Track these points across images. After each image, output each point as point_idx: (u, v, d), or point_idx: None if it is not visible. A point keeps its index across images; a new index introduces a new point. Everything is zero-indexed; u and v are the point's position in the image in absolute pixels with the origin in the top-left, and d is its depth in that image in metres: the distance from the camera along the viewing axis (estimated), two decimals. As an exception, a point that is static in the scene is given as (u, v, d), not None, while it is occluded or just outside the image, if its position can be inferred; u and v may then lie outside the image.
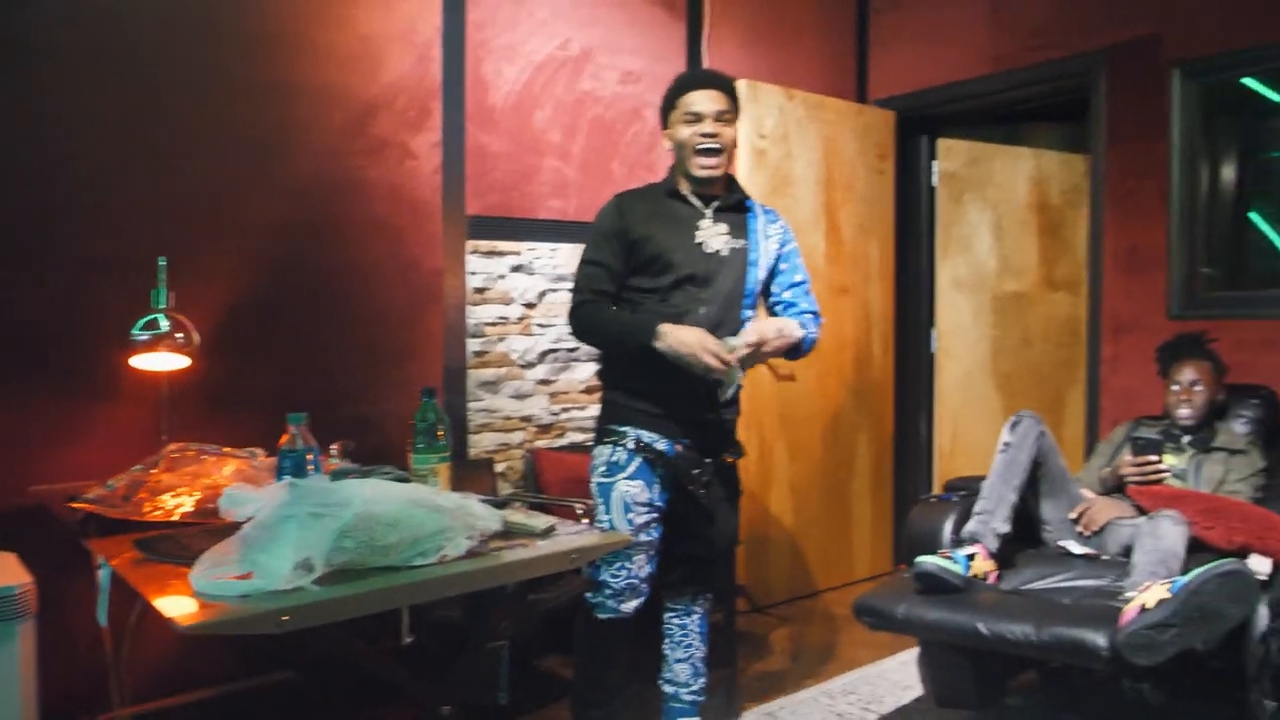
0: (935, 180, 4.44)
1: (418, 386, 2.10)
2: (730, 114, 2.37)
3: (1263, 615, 2.23)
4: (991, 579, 2.50)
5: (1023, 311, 4.46)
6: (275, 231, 2.82)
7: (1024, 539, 2.77)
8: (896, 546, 4.31)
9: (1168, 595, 2.01)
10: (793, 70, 4.11)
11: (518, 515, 1.91)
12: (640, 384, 2.34)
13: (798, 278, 2.50)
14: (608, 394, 2.46)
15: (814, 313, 2.50)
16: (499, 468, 3.26)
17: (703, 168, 2.35)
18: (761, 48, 4.01)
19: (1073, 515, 2.74)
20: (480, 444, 3.22)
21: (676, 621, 2.52)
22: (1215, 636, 2.13)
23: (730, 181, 2.47)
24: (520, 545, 1.77)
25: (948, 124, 4.44)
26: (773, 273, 2.47)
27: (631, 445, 2.34)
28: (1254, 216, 3.70)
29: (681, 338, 2.19)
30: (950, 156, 4.42)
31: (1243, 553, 2.36)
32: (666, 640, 2.53)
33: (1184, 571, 2.21)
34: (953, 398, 4.42)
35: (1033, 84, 3.95)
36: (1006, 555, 2.63)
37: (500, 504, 1.98)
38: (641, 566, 2.34)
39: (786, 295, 2.48)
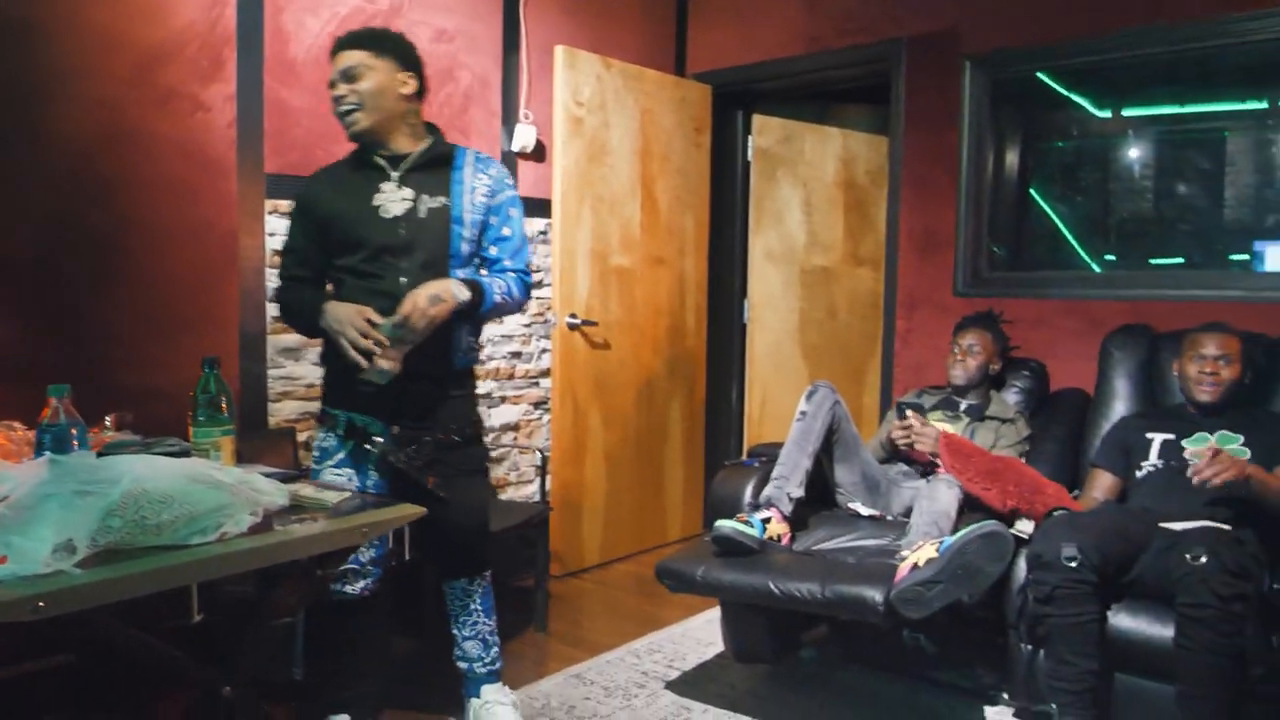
0: (750, 155, 4.57)
1: (212, 354, 1.99)
2: (362, 67, 2.17)
3: (1021, 570, 2.46)
4: (785, 541, 2.63)
5: (829, 285, 4.68)
6: (46, 187, 2.58)
7: (820, 502, 2.93)
8: (707, 510, 4.46)
9: (936, 554, 2.17)
10: (611, 40, 4.11)
11: (308, 489, 1.85)
12: (347, 361, 2.19)
13: (506, 231, 2.34)
14: (326, 375, 2.37)
15: (520, 271, 2.35)
16: (301, 437, 3.14)
17: (346, 127, 2.23)
18: (581, 15, 3.99)
19: (896, 433, 2.94)
20: (281, 412, 3.09)
21: (457, 602, 2.45)
22: (979, 590, 2.32)
23: (429, 136, 2.31)
24: (309, 520, 1.72)
25: (763, 101, 4.57)
26: (485, 228, 2.32)
27: (341, 431, 2.27)
28: (1038, 201, 4.02)
29: (336, 314, 2.13)
30: (765, 133, 4.56)
31: (1013, 514, 2.58)
32: (451, 620, 2.47)
33: (955, 531, 2.39)
34: (763, 366, 4.60)
35: (842, 66, 4.12)
36: (801, 518, 2.77)
37: (290, 478, 1.92)
38: (362, 550, 2.25)
39: (493, 251, 2.33)
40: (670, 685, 2.84)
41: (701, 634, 3.25)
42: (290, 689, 2.58)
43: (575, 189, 3.80)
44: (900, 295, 3.87)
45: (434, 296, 2.12)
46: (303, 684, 2.62)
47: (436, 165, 2.28)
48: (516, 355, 3.82)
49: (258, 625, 1.79)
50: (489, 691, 2.46)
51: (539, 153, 3.84)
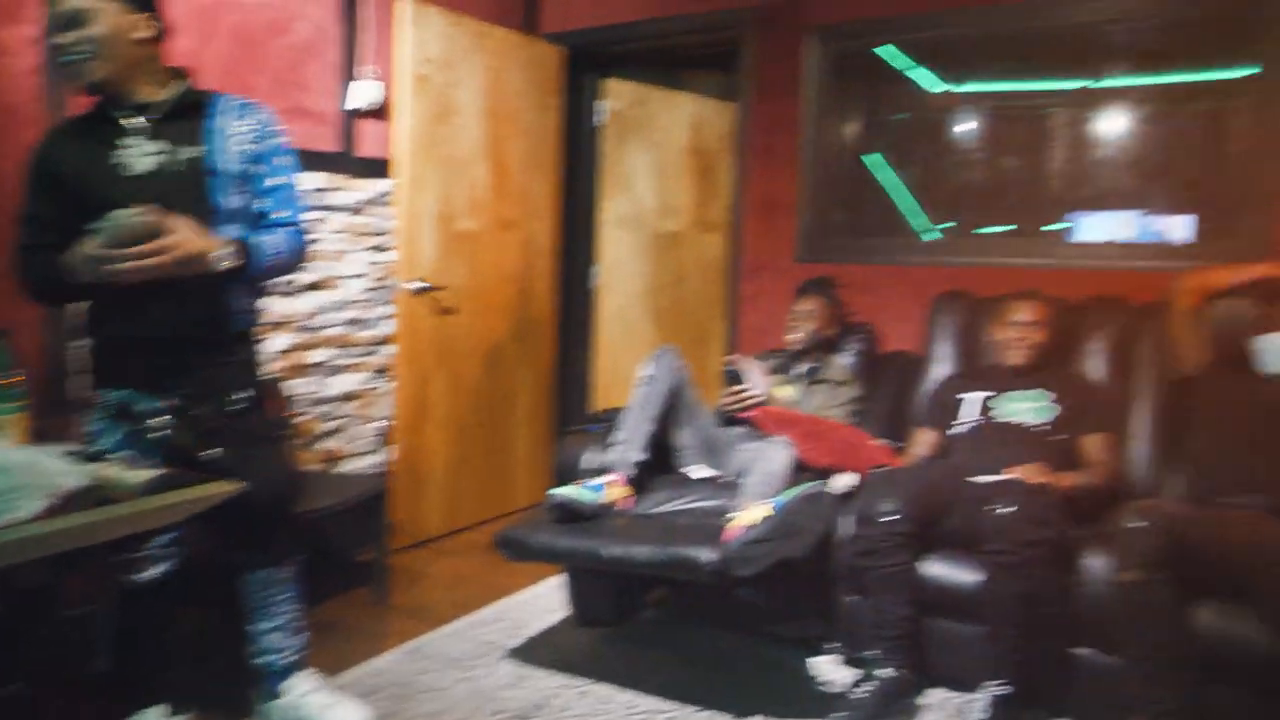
0: (602, 120, 4.55)
1: (5, 325, 1.83)
2: (88, 10, 1.95)
3: (843, 524, 2.57)
4: (625, 505, 2.66)
5: (678, 250, 4.73)
6: None
7: (663, 466, 2.97)
8: (552, 477, 4.47)
9: (765, 514, 2.24)
10: (459, -5, 3.99)
11: (111, 469, 1.74)
12: (110, 331, 2.05)
13: (276, 181, 2.15)
14: (92, 351, 2.15)
15: (293, 224, 2.17)
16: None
17: (77, 79, 2.02)
18: (426, -33, 3.85)
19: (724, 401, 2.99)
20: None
21: (257, 596, 2.24)
22: (806, 547, 2.42)
23: (177, 82, 2.11)
24: (112, 501, 1.62)
25: (616, 64, 4.54)
26: (251, 179, 2.13)
27: (112, 414, 2.08)
28: (878, 171, 4.16)
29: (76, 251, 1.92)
30: (617, 97, 4.54)
31: (835, 470, 2.69)
32: (250, 616, 2.25)
33: (786, 491, 2.48)
34: (611, 331, 4.62)
35: (694, 31, 4.13)
36: (643, 481, 2.81)
37: (93, 456, 1.80)
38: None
39: (262, 203, 2.16)
40: (511, 653, 2.83)
41: (546, 601, 3.26)
42: (94, 683, 2.44)
43: (421, 150, 3.70)
44: (744, 261, 3.95)
45: (187, 257, 1.91)
46: (108, 677, 2.48)
47: (189, 114, 2.08)
48: (355, 322, 3.70)
49: (54, 616, 1.68)
50: (299, 681, 2.27)
51: (381, 111, 3.71)
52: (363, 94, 3.58)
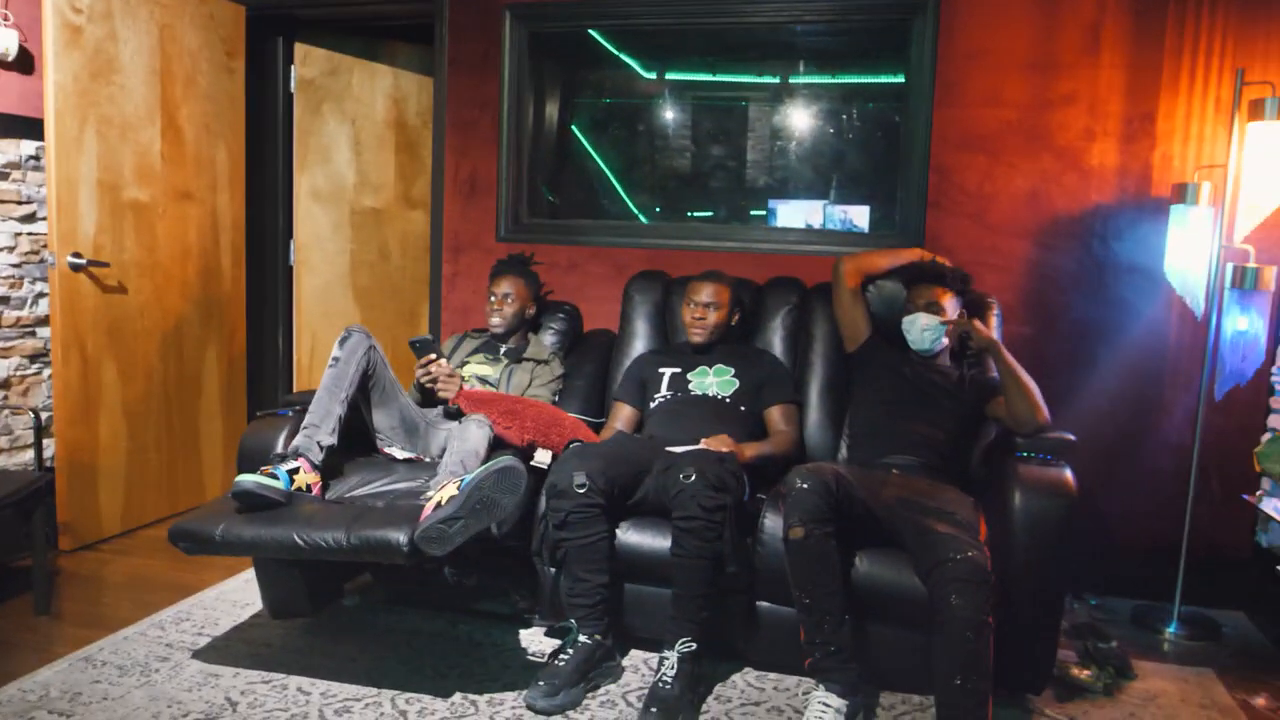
0: (293, 87, 4.29)
1: None
2: None
3: (542, 499, 2.62)
4: (315, 490, 2.55)
5: (381, 226, 4.58)
6: None
7: (360, 449, 2.87)
8: (238, 465, 4.21)
9: (456, 492, 2.24)
10: (120, -61, 3.60)
11: None
12: None
13: None
14: None
15: None
16: None
17: None
18: (79, -96, 3.44)
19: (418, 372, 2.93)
20: None
21: None
22: (504, 523, 2.43)
23: None
24: None
25: (306, 29, 4.30)
26: None
27: None
28: (589, 154, 4.24)
29: None
30: (309, 63, 4.30)
31: (533, 448, 2.73)
32: None
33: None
34: (312, 311, 4.40)
35: (389, 1, 4.00)
36: (336, 466, 2.70)
37: None
38: None
39: None
40: (198, 653, 2.65)
41: (238, 595, 3.07)
42: None
43: (75, 109, 3.30)
44: (446, 239, 3.90)
45: None
46: None
47: None
48: (3, 301, 3.27)
49: None
50: None
51: (25, 63, 3.29)
52: None
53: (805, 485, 2.34)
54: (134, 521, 3.66)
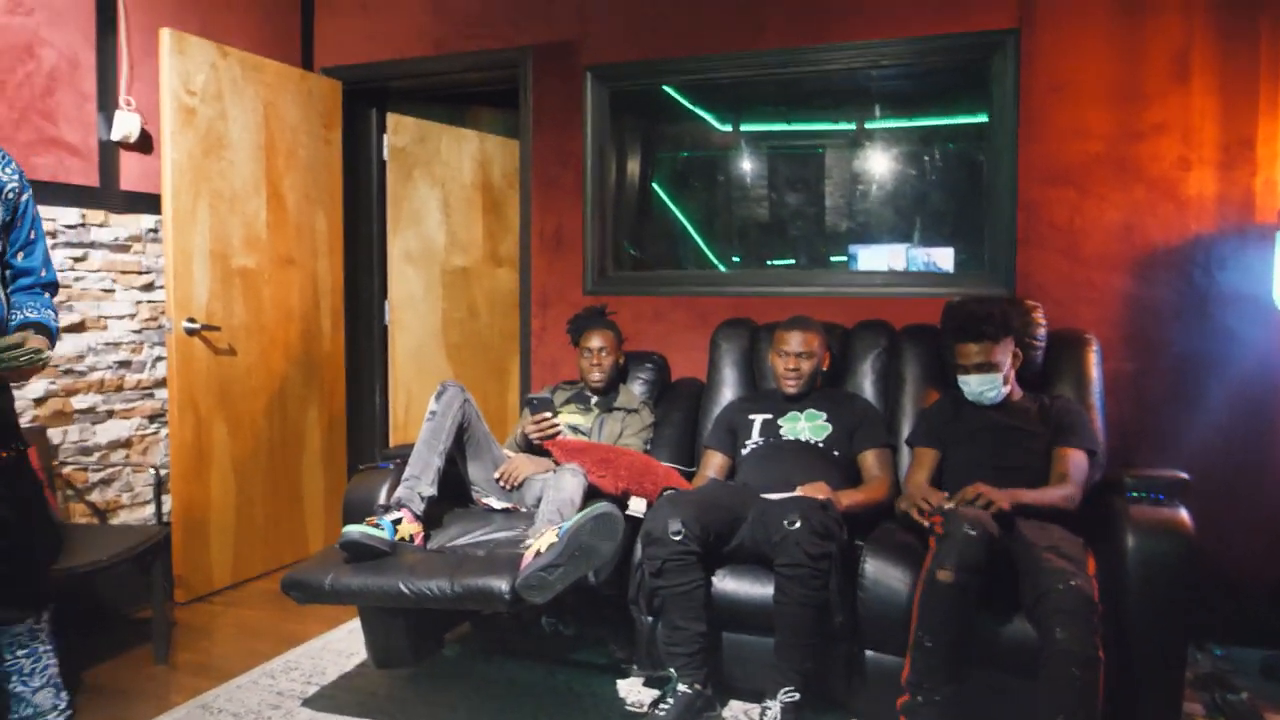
0: (385, 155, 4.49)
1: None
2: None
3: (638, 548, 2.63)
4: (418, 541, 2.62)
5: (469, 285, 4.71)
6: None
7: (456, 500, 2.94)
8: (343, 517, 4.33)
9: (556, 539, 2.27)
10: (227, 26, 3.85)
11: None
12: None
13: (33, 235, 2.14)
14: None
15: (53, 284, 2.21)
16: None
17: None
18: (191, -3, 3.70)
19: (496, 474, 2.96)
20: None
21: (20, 651, 2.15)
22: (601, 570, 2.46)
23: None
24: None
25: (396, 99, 4.50)
26: (7, 227, 2.09)
27: None
28: (667, 206, 4.32)
29: None
30: (399, 132, 4.50)
31: (626, 496, 2.76)
32: (14, 677, 2.15)
33: (577, 517, 2.51)
34: (406, 368, 4.54)
35: (472, 69, 4.16)
36: (435, 516, 2.77)
37: None
38: None
39: (20, 259, 2.12)
40: (307, 702, 2.72)
41: (343, 645, 3.15)
42: None
43: (189, 184, 3.52)
44: (534, 294, 4.00)
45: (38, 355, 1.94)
46: None
47: None
48: (125, 365, 3.46)
49: None
50: None
51: (145, 143, 3.51)
52: (122, 126, 3.38)
53: (973, 533, 2.24)
54: (242, 574, 3.79)
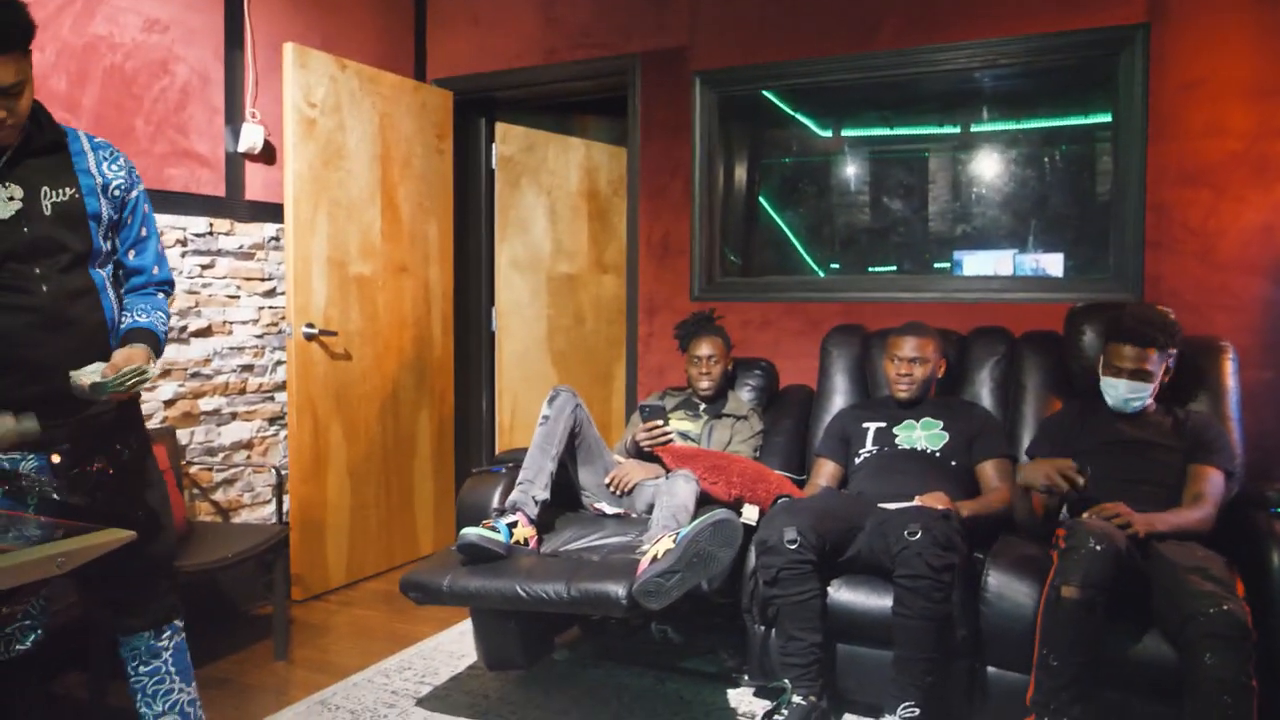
0: (494, 163, 4.56)
1: None
2: (23, 80, 1.80)
3: (752, 556, 2.60)
4: (532, 544, 2.64)
5: (575, 292, 4.75)
6: None
7: (567, 504, 2.96)
8: (456, 520, 4.40)
9: (673, 545, 2.26)
10: (346, 40, 3.97)
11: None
12: None
13: (144, 232, 2.06)
14: None
15: (166, 283, 2.11)
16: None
17: None
18: (312, 13, 3.83)
19: (607, 480, 2.97)
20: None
21: (142, 667, 2.05)
22: (716, 577, 2.44)
23: (35, 123, 1.90)
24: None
25: (505, 109, 4.58)
26: (119, 226, 2.03)
27: None
28: (768, 211, 4.29)
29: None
30: (508, 141, 4.57)
31: (739, 503, 2.73)
32: (138, 696, 2.06)
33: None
34: (512, 374, 4.60)
35: (581, 78, 4.20)
36: (548, 521, 2.79)
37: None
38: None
39: (132, 256, 2.05)
40: (421, 702, 2.77)
41: (454, 647, 3.19)
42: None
43: (309, 194, 3.63)
44: (641, 301, 4.00)
45: (128, 359, 1.86)
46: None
47: (49, 151, 1.92)
48: (248, 369, 3.59)
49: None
50: None
51: (269, 154, 3.64)
52: (248, 137, 3.51)
53: (1099, 547, 2.16)
54: (356, 574, 3.89)
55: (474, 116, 4.51)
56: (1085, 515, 2.36)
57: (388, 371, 4.02)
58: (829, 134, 4.46)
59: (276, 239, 3.67)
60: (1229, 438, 2.64)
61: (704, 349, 3.25)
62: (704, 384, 3.23)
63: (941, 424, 2.91)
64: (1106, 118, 3.37)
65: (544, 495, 2.71)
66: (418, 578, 2.49)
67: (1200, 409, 2.73)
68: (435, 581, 2.45)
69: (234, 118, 3.52)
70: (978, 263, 3.90)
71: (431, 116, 4.21)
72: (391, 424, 4.04)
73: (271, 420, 3.69)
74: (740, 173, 4.20)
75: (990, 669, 2.41)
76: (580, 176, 4.74)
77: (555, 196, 4.68)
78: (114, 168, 2.00)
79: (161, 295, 2.09)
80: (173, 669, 2.08)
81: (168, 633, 2.08)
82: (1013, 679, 2.34)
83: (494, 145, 4.56)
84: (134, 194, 2.04)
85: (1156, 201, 3.20)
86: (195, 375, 3.39)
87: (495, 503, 2.82)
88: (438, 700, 2.78)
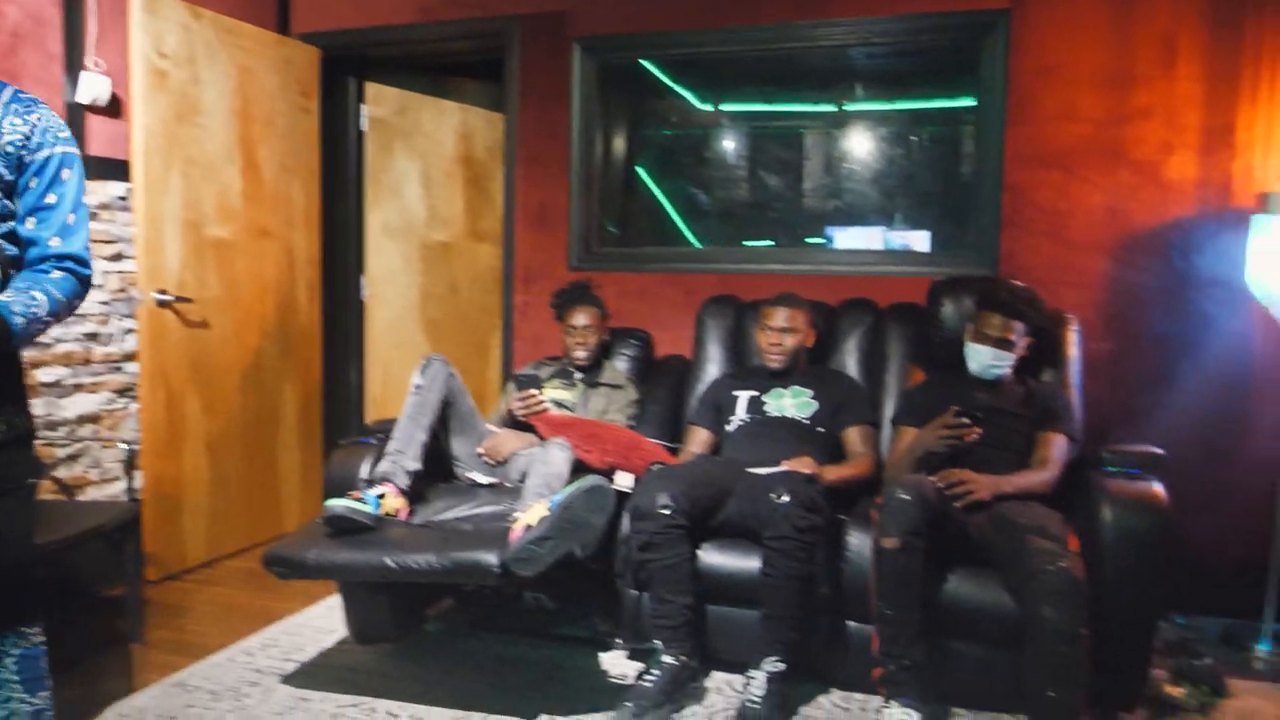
0: (365, 125, 4.41)
1: None
2: None
3: (625, 522, 2.62)
4: (403, 515, 2.59)
5: (450, 260, 4.66)
6: None
7: (440, 475, 2.91)
8: (324, 493, 4.28)
9: (546, 513, 2.25)
10: (202, -13, 3.75)
11: None
12: None
13: (51, 199, 1.74)
14: None
15: (73, 258, 1.76)
16: None
17: None
18: (165, -44, 3.59)
19: (481, 450, 2.93)
20: None
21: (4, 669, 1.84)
22: (589, 544, 2.45)
23: None
24: None
25: (377, 68, 4.42)
26: (17, 191, 1.74)
27: None
28: (647, 183, 4.29)
29: None
30: (380, 102, 4.42)
31: (613, 471, 2.74)
32: None
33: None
34: (383, 344, 4.48)
35: (457, 39, 4.09)
36: (420, 491, 2.74)
37: None
38: None
39: (30, 225, 1.73)
40: (287, 679, 2.68)
41: (322, 622, 3.11)
42: None
43: (161, 150, 3.42)
44: (518, 270, 3.95)
45: None
46: None
47: None
48: (92, 337, 3.37)
49: None
50: None
51: (115, 108, 3.41)
52: (90, 88, 3.28)
53: (906, 497, 2.31)
54: (216, 552, 3.73)
55: (343, 75, 4.34)
56: (936, 479, 2.48)
57: (250, 341, 3.85)
58: (709, 108, 4.50)
59: (124, 198, 3.45)
60: (1072, 406, 2.80)
61: (580, 319, 3.24)
62: (580, 353, 3.23)
63: (811, 392, 2.99)
64: (971, 101, 3.51)
65: (415, 466, 2.65)
66: (281, 552, 2.41)
67: (1047, 379, 2.89)
68: (300, 555, 2.38)
69: (74, 66, 3.27)
70: (849, 239, 4.01)
71: (296, 73, 4.02)
72: (254, 395, 3.88)
73: (121, 392, 3.49)
74: (620, 143, 4.19)
75: (850, 623, 2.52)
76: (456, 141, 4.63)
77: (430, 161, 4.56)
78: (18, 122, 1.72)
79: (60, 274, 1.74)
80: (17, 678, 1.87)
81: (14, 640, 1.86)
82: (871, 631, 2.44)
83: (364, 106, 4.40)
84: (41, 154, 1.73)
85: (1013, 182, 3.36)
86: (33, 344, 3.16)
87: (364, 474, 2.74)
88: (304, 676, 2.70)
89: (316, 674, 2.72)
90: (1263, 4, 3.09)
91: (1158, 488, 2.35)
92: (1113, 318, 3.28)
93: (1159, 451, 2.51)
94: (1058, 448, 2.65)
